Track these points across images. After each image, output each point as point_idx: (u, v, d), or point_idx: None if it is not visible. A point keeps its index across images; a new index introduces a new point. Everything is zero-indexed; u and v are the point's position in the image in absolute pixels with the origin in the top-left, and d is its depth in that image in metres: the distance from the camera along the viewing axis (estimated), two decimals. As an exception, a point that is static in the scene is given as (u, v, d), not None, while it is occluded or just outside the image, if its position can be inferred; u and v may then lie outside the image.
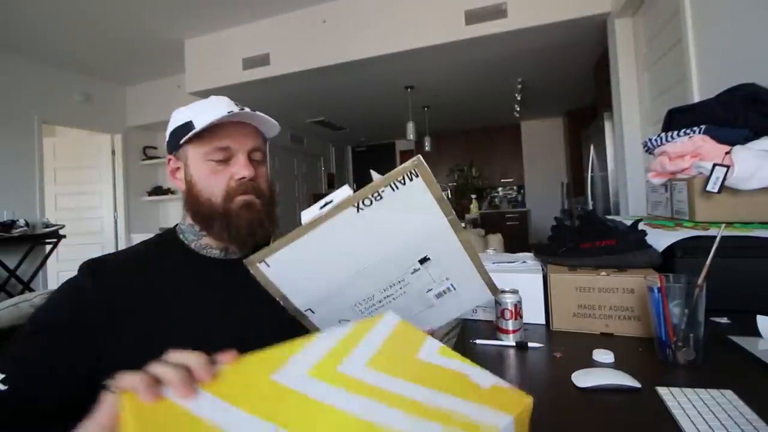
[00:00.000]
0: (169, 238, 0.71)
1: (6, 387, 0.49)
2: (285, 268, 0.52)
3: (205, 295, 0.66)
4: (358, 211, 0.50)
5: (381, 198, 0.50)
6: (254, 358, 0.35)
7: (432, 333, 0.67)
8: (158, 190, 5.07)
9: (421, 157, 0.51)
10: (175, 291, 0.64)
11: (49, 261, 3.83)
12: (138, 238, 4.62)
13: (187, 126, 0.66)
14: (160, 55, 3.99)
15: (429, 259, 0.57)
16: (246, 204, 0.66)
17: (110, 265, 0.63)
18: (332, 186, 7.30)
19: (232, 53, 3.65)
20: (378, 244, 0.54)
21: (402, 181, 0.50)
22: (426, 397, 0.34)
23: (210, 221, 0.66)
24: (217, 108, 0.67)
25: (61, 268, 4.34)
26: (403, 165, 0.50)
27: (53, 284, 4.17)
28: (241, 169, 0.66)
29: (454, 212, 0.54)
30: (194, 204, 0.67)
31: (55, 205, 4.42)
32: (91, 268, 0.61)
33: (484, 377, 0.38)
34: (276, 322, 0.60)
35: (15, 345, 0.55)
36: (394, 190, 0.50)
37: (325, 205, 0.51)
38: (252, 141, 0.69)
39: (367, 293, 0.58)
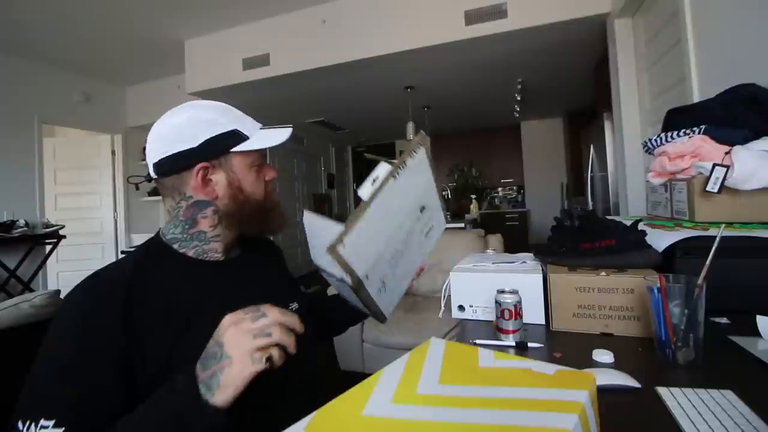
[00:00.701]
0: (155, 250, 0.68)
1: (62, 429, 0.48)
2: (354, 244, 0.57)
3: (220, 298, 0.65)
4: (395, 179, 0.61)
5: (406, 166, 0.63)
6: (339, 402, 0.38)
7: (422, 268, 0.83)
8: (158, 190, 5.07)
9: (423, 133, 0.67)
10: (189, 301, 0.62)
11: (49, 261, 3.83)
12: (138, 239, 4.62)
13: (237, 135, 0.67)
14: (160, 55, 3.99)
15: (426, 208, 0.72)
16: (278, 202, 0.77)
17: (105, 278, 0.61)
18: (332, 186, 7.31)
19: (232, 53, 3.65)
20: (404, 204, 0.66)
21: (416, 151, 0.65)
22: (506, 394, 0.37)
23: (262, 217, 0.73)
24: (239, 116, 0.71)
25: (61, 268, 4.35)
26: (414, 140, 0.65)
27: (53, 284, 4.17)
28: (270, 170, 0.74)
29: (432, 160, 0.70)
30: (243, 207, 0.70)
31: (55, 205, 4.43)
32: (85, 287, 0.59)
33: (545, 367, 0.42)
34: (282, 303, 0.67)
35: (46, 390, 0.52)
36: (413, 158, 0.64)
37: (374, 181, 0.62)
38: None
39: (396, 247, 0.67)
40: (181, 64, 3.88)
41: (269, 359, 0.48)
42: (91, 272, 0.63)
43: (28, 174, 3.81)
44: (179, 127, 0.65)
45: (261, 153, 0.72)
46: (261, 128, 0.72)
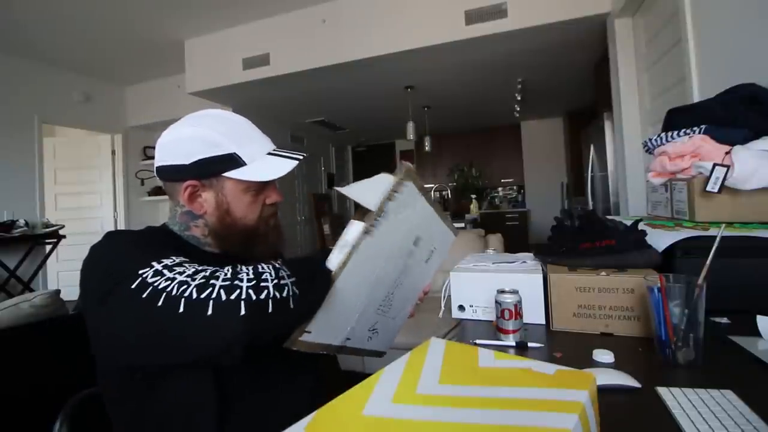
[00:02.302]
0: (161, 233, 0.71)
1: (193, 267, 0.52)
2: (320, 327, 0.56)
3: None
4: (371, 236, 0.56)
5: (385, 213, 0.56)
6: (339, 401, 0.38)
7: (425, 292, 0.81)
8: (158, 190, 5.07)
9: (408, 164, 0.60)
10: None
11: (49, 261, 3.83)
12: (138, 238, 4.62)
13: (233, 159, 0.65)
14: (160, 55, 3.99)
15: (421, 238, 0.66)
16: (275, 226, 0.73)
17: (135, 234, 0.65)
18: (332, 186, 7.31)
19: (232, 53, 3.65)
20: (387, 249, 0.60)
21: (398, 191, 0.57)
22: (506, 394, 0.38)
23: (248, 243, 0.69)
24: (252, 135, 0.69)
25: (61, 268, 4.34)
26: (395, 177, 0.57)
27: (53, 284, 4.17)
28: (274, 194, 0.71)
29: (422, 184, 0.64)
30: (229, 229, 0.68)
31: (55, 205, 4.43)
32: (120, 233, 0.64)
33: (546, 367, 0.42)
34: None
35: (130, 265, 0.53)
36: (392, 200, 0.57)
37: (342, 247, 0.56)
38: None
39: (387, 292, 0.64)
40: (181, 64, 3.87)
41: None
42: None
43: (28, 174, 3.81)
44: (179, 141, 0.66)
45: (263, 181, 0.69)
46: (270, 152, 0.69)
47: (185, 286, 0.48)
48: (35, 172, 3.85)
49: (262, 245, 0.71)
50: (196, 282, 0.48)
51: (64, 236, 3.76)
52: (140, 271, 0.50)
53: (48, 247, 3.76)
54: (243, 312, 0.47)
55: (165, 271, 0.50)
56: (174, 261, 0.52)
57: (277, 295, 0.50)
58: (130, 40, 3.61)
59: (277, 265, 0.53)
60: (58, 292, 1.21)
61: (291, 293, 0.51)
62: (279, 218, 0.74)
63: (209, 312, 0.46)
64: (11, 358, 1.03)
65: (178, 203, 0.69)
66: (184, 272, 0.50)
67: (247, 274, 0.50)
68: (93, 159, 4.66)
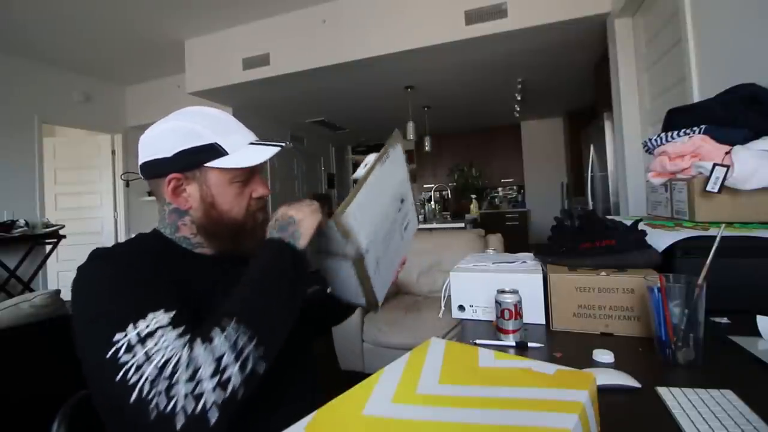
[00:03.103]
0: (152, 239, 0.69)
1: (173, 311, 0.53)
2: (356, 214, 0.63)
3: (218, 290, 0.66)
4: (382, 165, 0.69)
5: (388, 157, 0.71)
6: (339, 401, 0.38)
7: (403, 262, 0.85)
8: (157, 190, 5.08)
9: (397, 130, 0.77)
10: (188, 288, 0.63)
11: (49, 261, 3.83)
12: (138, 238, 4.62)
13: (214, 149, 0.65)
14: (160, 55, 4.00)
15: (404, 200, 0.78)
16: (264, 220, 0.72)
17: (127, 251, 0.63)
18: (332, 186, 7.30)
19: (232, 53, 3.65)
20: (389, 191, 0.73)
21: (393, 147, 0.74)
22: (507, 394, 0.38)
23: (236, 238, 0.69)
24: (233, 127, 0.69)
25: (61, 268, 4.34)
26: (391, 137, 0.74)
27: (53, 284, 4.17)
28: (260, 188, 0.71)
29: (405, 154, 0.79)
30: (215, 224, 0.67)
31: (55, 205, 4.43)
32: (108, 255, 0.60)
33: (546, 366, 0.43)
34: None
35: (122, 305, 0.53)
36: (393, 149, 0.74)
37: (365, 165, 0.73)
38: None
39: (386, 228, 0.72)
40: (181, 64, 3.88)
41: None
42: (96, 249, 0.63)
43: (28, 174, 3.81)
44: (160, 135, 0.66)
45: (247, 170, 0.68)
46: (252, 143, 0.68)
47: (155, 388, 0.47)
48: (35, 172, 3.86)
49: (250, 240, 0.70)
50: (163, 383, 0.47)
51: (64, 236, 3.76)
52: (114, 339, 0.50)
53: (48, 247, 3.76)
54: (213, 421, 0.47)
55: (137, 348, 0.49)
56: (149, 328, 0.51)
57: (243, 373, 0.50)
58: (130, 40, 3.61)
59: (233, 331, 0.51)
60: (58, 292, 1.21)
61: (256, 360, 0.52)
62: (269, 214, 0.73)
63: (179, 426, 0.45)
64: (11, 358, 1.03)
65: (164, 201, 0.68)
66: (154, 357, 0.49)
67: (209, 366, 0.48)
68: (93, 159, 4.66)
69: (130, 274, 0.57)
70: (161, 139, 0.66)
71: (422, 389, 0.39)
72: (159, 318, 0.52)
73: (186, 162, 0.65)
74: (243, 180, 0.68)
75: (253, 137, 0.71)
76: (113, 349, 0.49)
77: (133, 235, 0.72)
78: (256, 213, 0.71)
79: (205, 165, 0.65)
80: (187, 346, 0.50)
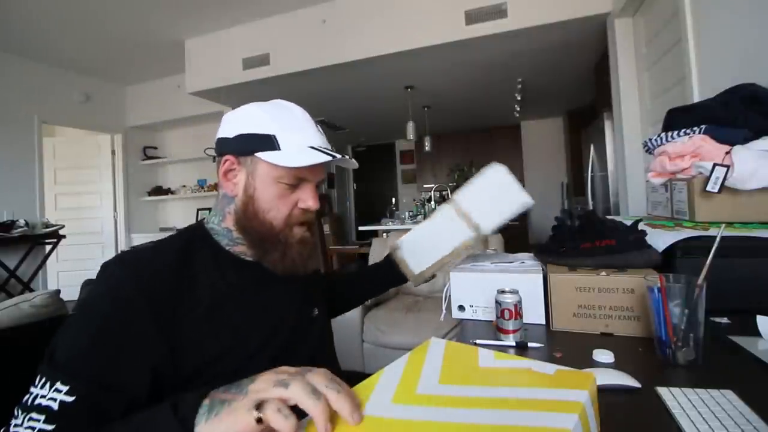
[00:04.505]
0: (200, 235, 0.68)
1: (73, 398, 0.47)
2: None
3: (252, 298, 0.66)
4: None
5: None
6: None
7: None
8: (158, 190, 5.07)
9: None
10: (221, 295, 0.63)
11: (49, 261, 3.83)
12: (138, 239, 4.62)
13: (269, 141, 0.63)
14: (160, 55, 3.99)
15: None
16: (302, 239, 0.67)
17: (149, 264, 0.59)
18: (332, 186, 7.30)
19: (232, 53, 3.65)
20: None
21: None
22: (507, 394, 0.38)
23: (266, 246, 0.65)
24: (304, 128, 0.66)
25: (61, 268, 4.35)
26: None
27: (53, 284, 4.17)
28: (309, 199, 0.66)
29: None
30: (251, 220, 0.65)
31: (55, 205, 4.43)
32: (130, 267, 0.58)
33: (545, 366, 0.42)
34: (314, 319, 0.76)
35: (69, 355, 0.51)
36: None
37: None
38: (323, 173, 0.70)
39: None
40: (181, 64, 3.87)
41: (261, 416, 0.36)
42: (130, 249, 0.63)
43: (28, 174, 3.81)
44: (234, 117, 0.66)
45: (298, 173, 0.64)
46: (311, 147, 0.64)
47: None
48: (35, 172, 3.85)
49: (277, 254, 0.65)
50: None
51: (64, 236, 3.76)
52: (33, 390, 0.49)
53: (48, 247, 3.76)
54: None
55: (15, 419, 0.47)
56: (33, 401, 0.48)
57: None
58: (130, 40, 3.61)
59: None
60: (58, 292, 1.21)
61: None
62: (314, 233, 0.69)
63: None
64: (11, 358, 1.03)
65: (221, 185, 0.67)
66: None
67: None
68: (93, 159, 4.66)
69: (118, 322, 0.54)
70: (233, 121, 0.66)
71: (422, 389, 0.39)
72: (50, 396, 0.47)
73: (241, 146, 0.64)
74: (290, 183, 0.64)
75: (319, 143, 0.66)
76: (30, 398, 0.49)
77: (135, 235, 0.72)
78: (295, 226, 0.66)
79: (256, 154, 0.63)
80: None
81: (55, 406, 0.47)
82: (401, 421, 0.34)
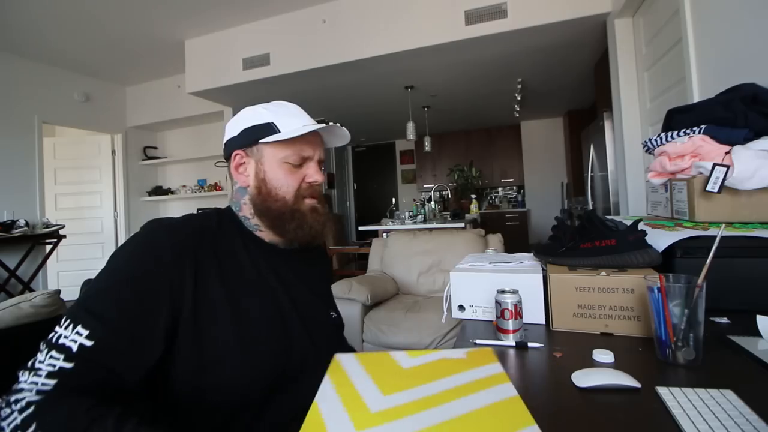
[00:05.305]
0: (228, 218, 0.73)
1: (92, 342, 0.50)
2: None
3: (271, 279, 0.70)
4: None
5: None
6: None
7: None
8: (158, 190, 5.07)
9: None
10: (243, 270, 0.67)
11: (49, 261, 3.83)
12: (138, 238, 4.62)
13: (269, 127, 0.70)
14: (160, 55, 4.00)
15: None
16: (313, 208, 0.73)
17: (181, 230, 0.64)
18: (332, 186, 7.30)
19: (232, 53, 3.65)
20: None
21: None
22: (446, 386, 0.41)
23: (283, 218, 0.71)
24: (297, 113, 0.73)
25: (61, 268, 4.35)
26: None
27: (53, 284, 4.17)
28: (314, 174, 0.73)
29: None
30: (266, 201, 0.70)
31: (55, 205, 4.43)
32: (165, 228, 0.63)
33: (455, 352, 0.47)
34: (325, 307, 0.80)
35: (95, 299, 0.55)
36: None
37: None
38: (322, 152, 0.76)
39: None
40: (181, 64, 3.88)
41: None
42: (164, 217, 0.68)
43: (29, 174, 3.81)
44: (235, 120, 0.74)
45: (300, 151, 0.71)
46: (306, 125, 0.71)
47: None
48: (35, 172, 3.85)
49: (295, 224, 0.71)
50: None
51: (64, 236, 3.76)
52: (58, 329, 0.52)
53: (48, 247, 3.76)
54: None
55: (39, 356, 0.50)
56: (60, 340, 0.50)
57: None
58: (130, 40, 3.61)
59: None
60: (58, 292, 1.21)
61: None
62: (324, 206, 0.75)
63: None
64: (11, 358, 1.03)
65: (233, 180, 0.74)
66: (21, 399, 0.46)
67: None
68: (93, 159, 4.66)
69: (142, 265, 0.57)
70: (235, 122, 0.73)
71: (375, 407, 0.38)
72: (72, 338, 0.50)
73: (246, 138, 0.71)
74: (295, 163, 0.71)
75: (310, 125, 0.71)
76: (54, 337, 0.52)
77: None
78: (305, 198, 0.72)
79: (260, 141, 0.70)
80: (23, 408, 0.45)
81: (74, 347, 0.50)
82: None
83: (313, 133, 0.72)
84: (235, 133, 0.72)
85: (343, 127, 0.76)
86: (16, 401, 0.46)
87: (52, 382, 0.48)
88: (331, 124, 0.73)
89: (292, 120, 0.71)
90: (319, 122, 0.74)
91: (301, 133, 0.68)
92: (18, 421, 0.44)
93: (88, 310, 0.53)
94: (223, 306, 0.62)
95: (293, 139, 0.70)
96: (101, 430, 0.44)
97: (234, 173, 0.73)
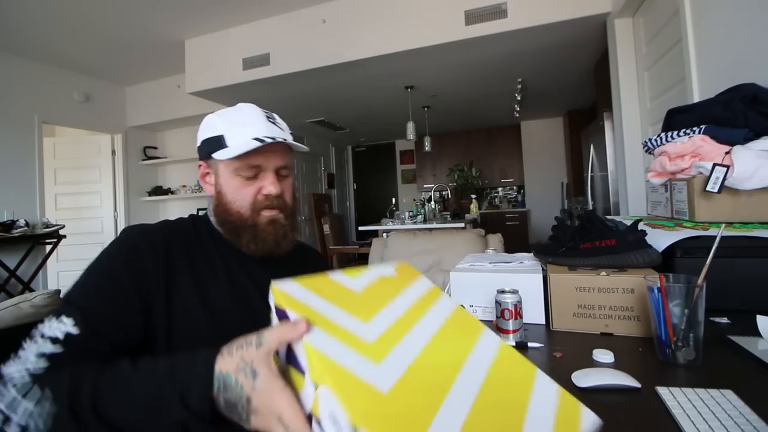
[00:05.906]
0: (203, 222, 0.75)
1: (78, 331, 0.52)
2: None
3: (243, 282, 0.70)
4: None
5: None
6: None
7: None
8: (158, 190, 5.07)
9: None
10: (216, 272, 0.68)
11: (49, 261, 3.83)
12: (138, 238, 4.62)
13: (219, 141, 0.69)
14: (160, 55, 3.99)
15: None
16: (271, 220, 0.70)
17: (154, 231, 0.66)
18: (332, 186, 7.30)
19: (232, 53, 3.65)
20: None
21: None
22: (404, 304, 0.46)
23: (238, 231, 0.70)
24: (250, 122, 0.69)
25: (61, 268, 4.34)
26: None
27: (53, 284, 4.17)
28: (269, 185, 0.70)
29: None
30: (223, 213, 0.71)
31: (55, 205, 4.42)
32: (138, 230, 0.66)
33: (386, 269, 0.51)
34: None
35: (79, 293, 0.58)
36: None
37: None
38: (280, 159, 0.71)
39: None
40: (181, 64, 3.87)
41: None
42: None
43: (28, 174, 3.80)
44: (200, 127, 0.74)
45: (251, 162, 0.67)
46: (256, 137, 0.66)
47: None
48: (35, 172, 3.85)
49: (248, 237, 0.69)
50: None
51: (64, 236, 3.76)
52: (40, 327, 0.54)
53: (48, 247, 3.76)
54: None
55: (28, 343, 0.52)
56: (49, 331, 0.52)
57: None
58: (130, 40, 3.61)
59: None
60: (58, 292, 1.21)
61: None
62: (282, 218, 0.71)
63: None
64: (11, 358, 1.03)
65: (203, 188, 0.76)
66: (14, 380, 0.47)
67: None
68: (93, 159, 4.66)
69: (121, 265, 0.60)
70: (200, 132, 0.74)
71: (367, 336, 0.38)
72: (56, 327, 0.53)
73: (204, 151, 0.72)
74: (248, 175, 0.69)
75: (266, 133, 0.68)
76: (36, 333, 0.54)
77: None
78: (262, 211, 0.70)
79: (213, 155, 0.70)
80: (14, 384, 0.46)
81: (60, 335, 0.52)
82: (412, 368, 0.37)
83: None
84: (198, 143, 0.73)
85: (291, 141, 0.70)
86: (13, 385, 0.46)
87: (44, 364, 0.49)
88: (280, 140, 0.67)
89: (242, 130, 0.67)
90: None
91: (246, 150, 0.65)
92: (13, 393, 0.45)
93: (69, 303, 0.56)
94: (194, 297, 0.63)
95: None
96: (84, 375, 0.46)
97: (201, 182, 0.75)
